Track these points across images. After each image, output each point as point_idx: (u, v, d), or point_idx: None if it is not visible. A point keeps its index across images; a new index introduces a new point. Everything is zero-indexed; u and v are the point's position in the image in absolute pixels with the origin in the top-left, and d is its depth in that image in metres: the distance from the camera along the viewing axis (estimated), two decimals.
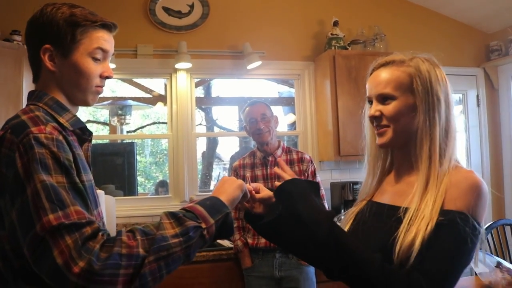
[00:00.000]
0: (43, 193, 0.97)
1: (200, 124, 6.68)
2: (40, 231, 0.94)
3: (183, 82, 3.70)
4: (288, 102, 5.50)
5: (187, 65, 3.59)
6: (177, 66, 3.59)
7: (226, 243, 3.17)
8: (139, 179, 7.83)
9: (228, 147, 6.91)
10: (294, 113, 4.25)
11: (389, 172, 1.39)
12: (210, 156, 6.63)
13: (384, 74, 1.28)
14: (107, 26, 1.26)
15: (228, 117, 6.72)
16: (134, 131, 6.59)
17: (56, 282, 0.94)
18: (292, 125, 5.09)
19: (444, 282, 1.10)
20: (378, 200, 1.34)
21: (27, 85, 3.22)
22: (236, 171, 3.01)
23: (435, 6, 4.26)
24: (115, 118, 4.56)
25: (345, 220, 1.39)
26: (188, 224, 1.05)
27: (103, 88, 1.30)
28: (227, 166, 6.58)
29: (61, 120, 1.18)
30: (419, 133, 1.23)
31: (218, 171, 7.08)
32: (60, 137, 1.08)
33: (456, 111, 4.38)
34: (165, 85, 3.78)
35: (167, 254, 1.00)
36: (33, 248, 0.95)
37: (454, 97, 4.54)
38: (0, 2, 3.41)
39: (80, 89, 1.24)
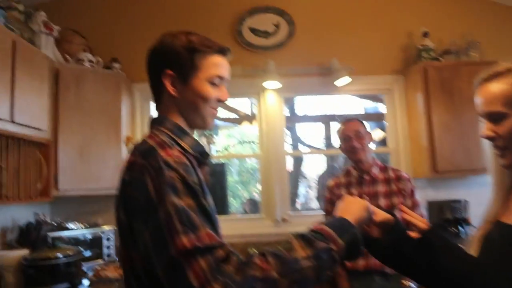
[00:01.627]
0: (176, 216, 0.99)
1: (286, 142, 6.67)
2: (174, 254, 0.96)
3: (272, 101, 3.71)
4: (374, 118, 5.35)
5: (276, 84, 3.59)
6: (266, 85, 3.62)
7: None
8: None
9: (313, 165, 6.82)
10: (380, 129, 4.12)
11: None
12: (296, 174, 6.59)
13: (490, 89, 1.18)
14: (223, 51, 1.31)
15: (313, 134, 6.65)
16: (223, 151, 6.67)
17: None
18: (380, 142, 4.93)
19: None
20: (506, 221, 1.23)
21: (126, 111, 3.37)
22: (331, 190, 2.94)
23: None
24: (204, 139, 4.67)
25: (472, 245, 1.30)
26: (318, 246, 1.04)
27: (217, 111, 1.33)
28: (312, 184, 6.50)
29: (183, 144, 1.22)
30: None
31: (305, 189, 7.02)
32: (187, 161, 1.11)
33: None
34: (251, 104, 3.81)
35: (300, 277, 1.00)
36: (167, 271, 0.97)
37: None
38: (98, 32, 3.62)
39: (199, 113, 1.27)
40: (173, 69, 1.24)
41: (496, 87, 1.17)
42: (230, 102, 5.06)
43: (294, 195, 6.54)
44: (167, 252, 0.97)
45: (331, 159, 5.36)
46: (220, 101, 1.30)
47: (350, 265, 2.75)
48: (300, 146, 6.82)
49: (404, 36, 3.91)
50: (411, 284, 2.68)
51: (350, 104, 6.13)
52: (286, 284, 0.97)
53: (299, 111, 6.43)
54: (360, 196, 2.72)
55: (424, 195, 3.77)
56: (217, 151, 5.11)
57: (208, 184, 1.27)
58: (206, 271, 0.94)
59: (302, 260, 1.01)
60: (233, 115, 5.32)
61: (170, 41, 1.26)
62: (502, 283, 1.11)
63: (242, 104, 5.24)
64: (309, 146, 6.76)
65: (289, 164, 6.58)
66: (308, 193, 6.80)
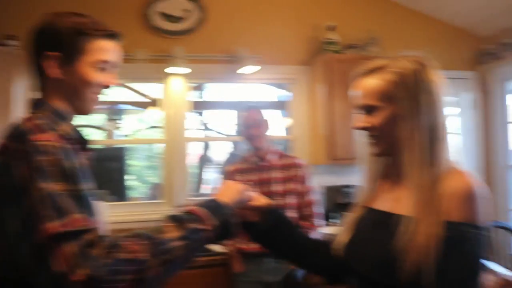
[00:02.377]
0: (46, 200, 0.96)
1: (195, 128, 6.64)
2: (41, 239, 0.94)
3: (178, 87, 3.69)
4: (286, 106, 5.47)
5: (183, 70, 3.58)
6: (172, 71, 3.58)
7: (217, 248, 3.15)
8: (134, 182, 7.78)
9: (220, 151, 6.86)
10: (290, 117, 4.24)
11: (386, 177, 1.36)
12: (203, 160, 6.60)
13: (367, 83, 1.25)
14: (112, 36, 1.25)
15: (223, 121, 6.68)
16: (129, 136, 6.53)
17: None
18: (288, 129, 5.07)
19: None
20: (376, 207, 1.32)
21: (20, 91, 3.19)
22: (229, 175, 2.99)
23: (429, 10, 4.26)
24: (109, 123, 4.54)
25: (345, 228, 1.37)
26: (190, 227, 1.05)
27: (100, 96, 1.29)
28: (219, 169, 6.54)
29: (62, 128, 1.16)
30: (404, 141, 1.20)
31: (210, 174, 7.04)
32: (63, 145, 1.07)
33: (451, 112, 4.37)
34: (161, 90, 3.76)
35: (171, 258, 1.00)
36: (33, 257, 0.95)
37: (448, 100, 4.57)
38: None
39: (80, 97, 1.23)
40: (56, 51, 1.18)
41: (372, 81, 1.23)
42: (139, 86, 4.96)
43: (200, 179, 6.54)
44: (33, 238, 0.95)
45: (235, 146, 5.42)
46: (105, 87, 1.26)
47: (244, 247, 2.82)
48: (210, 132, 6.83)
49: (311, 28, 4.02)
50: None
51: (264, 92, 6.23)
52: (156, 265, 0.97)
53: (211, 97, 6.42)
54: (258, 182, 2.83)
55: (322, 180, 3.93)
56: (122, 135, 4.97)
57: (89, 169, 1.23)
58: (73, 255, 0.92)
59: (172, 241, 1.01)
60: (142, 99, 5.21)
61: (55, 22, 1.20)
62: (371, 260, 1.21)
63: (152, 89, 5.13)
64: (217, 132, 6.80)
65: (198, 150, 6.59)
66: (214, 178, 6.82)
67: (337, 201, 3.67)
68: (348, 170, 3.98)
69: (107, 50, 1.23)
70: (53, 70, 1.19)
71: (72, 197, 1.00)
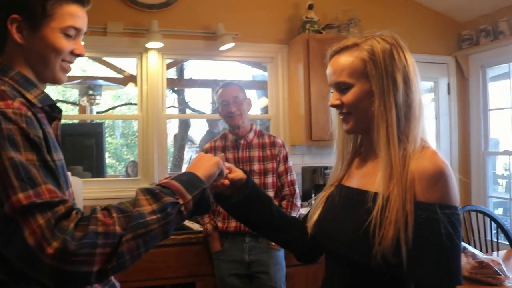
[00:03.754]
0: (12, 171, 0.92)
1: (172, 106, 6.56)
2: (9, 211, 0.90)
3: (154, 62, 3.62)
4: (261, 86, 5.46)
5: (158, 44, 3.50)
6: (148, 45, 3.51)
7: (195, 226, 3.14)
8: (110, 161, 7.67)
9: (201, 130, 6.84)
10: (267, 97, 4.22)
11: (360, 155, 1.38)
12: (182, 138, 6.55)
13: (339, 61, 1.25)
14: (81, 1, 1.19)
15: (201, 99, 6.62)
16: (105, 111, 6.44)
17: (28, 265, 0.91)
18: (265, 109, 5.05)
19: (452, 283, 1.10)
20: (347, 184, 1.33)
21: None
22: (207, 153, 2.96)
23: None
24: (85, 98, 4.44)
25: (315, 205, 1.38)
26: (165, 200, 1.02)
27: (71, 65, 1.24)
28: (199, 149, 6.51)
29: (29, 96, 1.11)
30: (375, 118, 1.19)
31: (190, 154, 7.01)
32: (29, 113, 1.03)
33: (427, 97, 4.42)
34: (137, 65, 3.68)
35: (145, 232, 0.97)
36: (1, 230, 0.91)
37: (425, 84, 4.62)
38: None
39: (49, 66, 1.17)
40: (20, 13, 1.12)
41: (344, 59, 1.24)
42: (115, 61, 4.85)
43: (179, 159, 6.51)
44: (1, 210, 0.91)
45: (212, 124, 5.38)
46: (75, 55, 1.21)
47: (222, 226, 2.81)
48: (188, 111, 6.77)
49: (291, 7, 3.98)
50: None
51: (239, 71, 6.19)
52: (129, 238, 0.94)
53: (188, 76, 6.34)
54: (236, 160, 2.82)
55: (300, 161, 3.95)
56: (97, 112, 4.87)
57: (59, 139, 1.21)
58: (43, 228, 0.88)
59: (147, 214, 0.98)
60: (119, 76, 5.11)
61: None
62: (340, 237, 1.22)
63: (127, 64, 5.04)
64: (196, 111, 6.74)
65: (174, 128, 6.53)
66: (193, 157, 6.77)
67: (316, 183, 3.67)
68: (327, 151, 3.99)
69: (76, 15, 1.17)
70: (18, 34, 1.13)
71: (41, 167, 0.97)
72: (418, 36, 4.21)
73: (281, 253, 2.84)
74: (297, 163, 3.89)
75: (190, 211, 1.09)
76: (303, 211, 3.12)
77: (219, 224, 2.84)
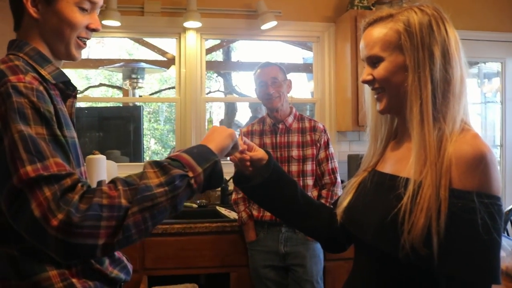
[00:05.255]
0: (21, 144, 0.93)
1: (218, 91, 6.44)
2: (17, 183, 0.91)
3: (192, 43, 3.48)
4: (311, 69, 5.22)
5: (197, 24, 3.37)
6: (186, 25, 3.38)
7: (232, 214, 3.00)
8: (156, 147, 7.68)
9: (249, 114, 6.69)
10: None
11: (395, 138, 1.28)
12: (228, 123, 6.42)
13: (371, 33, 1.18)
14: None
15: (247, 83, 6.44)
16: (151, 95, 6.40)
17: (35, 237, 0.92)
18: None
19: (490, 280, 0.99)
20: (381, 170, 1.24)
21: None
22: (244, 137, 2.80)
23: None
24: (127, 82, 4.39)
25: (346, 191, 1.31)
26: (173, 173, 0.99)
27: (87, 42, 1.24)
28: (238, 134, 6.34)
29: (43, 72, 1.12)
30: (408, 95, 1.11)
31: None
32: (41, 88, 1.03)
33: (494, 82, 4.04)
34: (176, 47, 3.57)
35: (152, 205, 0.95)
36: (10, 202, 0.92)
37: (490, 66, 4.22)
38: None
39: (63, 40, 1.17)
40: None
41: (377, 31, 1.16)
42: (159, 43, 4.77)
43: None
44: (9, 182, 0.92)
45: (254, 108, 5.20)
46: (91, 30, 1.20)
47: (257, 214, 2.67)
48: (235, 96, 6.63)
49: None
50: None
51: (289, 53, 5.96)
52: (135, 211, 0.93)
53: (235, 58, 6.19)
54: (274, 145, 2.65)
55: (347, 149, 3.72)
56: (140, 96, 4.82)
57: (73, 118, 1.20)
58: (49, 200, 0.89)
59: (154, 187, 0.96)
60: (162, 58, 5.03)
61: None
62: (369, 225, 1.15)
63: (170, 46, 4.93)
64: (242, 95, 6.57)
65: (220, 113, 6.40)
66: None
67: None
68: None
69: None
70: (34, 8, 1.13)
71: (51, 141, 0.98)
72: (480, 11, 3.83)
73: (319, 245, 2.65)
74: (343, 150, 3.68)
75: (201, 185, 1.05)
76: None
77: (254, 213, 2.70)
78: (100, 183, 0.97)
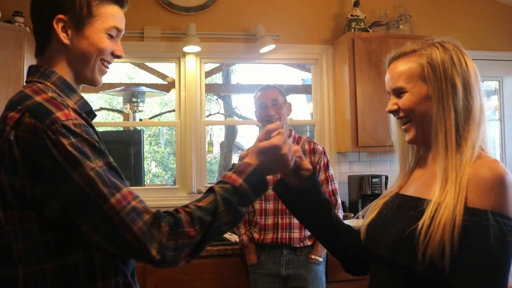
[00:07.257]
0: (97, 179, 0.99)
1: (218, 113, 6.46)
2: (109, 214, 0.98)
3: (192, 67, 3.52)
4: (310, 90, 5.25)
5: (196, 48, 3.41)
6: (186, 49, 3.42)
7: (234, 237, 2.99)
8: (157, 170, 7.67)
9: (249, 136, 6.69)
10: None
11: (420, 165, 1.34)
12: (229, 145, 6.43)
13: (396, 67, 1.26)
14: (120, 2, 1.22)
15: (248, 105, 6.48)
16: (150, 119, 6.42)
17: (131, 255, 1.10)
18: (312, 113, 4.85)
19: None
20: (404, 193, 1.30)
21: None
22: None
23: None
24: (128, 106, 4.42)
25: (370, 210, 1.35)
26: (238, 210, 1.12)
27: (108, 66, 1.27)
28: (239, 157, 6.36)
29: (70, 102, 1.14)
30: (433, 123, 1.18)
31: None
32: (81, 121, 1.06)
33: (491, 100, 4.06)
34: (175, 71, 3.60)
35: (217, 236, 1.13)
36: (103, 231, 0.99)
37: (489, 84, 4.24)
38: None
39: (89, 66, 1.19)
40: (66, 14, 1.14)
41: (402, 65, 1.24)
42: (158, 67, 4.80)
43: (226, 166, 6.38)
44: (99, 213, 0.98)
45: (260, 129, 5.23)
46: (115, 56, 1.23)
47: (259, 237, 2.66)
48: (235, 118, 6.64)
49: (336, 4, 3.78)
50: (319, 258, 2.63)
51: (287, 75, 5.99)
52: (207, 244, 1.11)
53: (235, 81, 6.23)
54: None
55: (347, 169, 3.72)
56: (140, 119, 4.84)
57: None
58: (144, 234, 1.00)
59: (223, 225, 1.10)
60: (162, 82, 5.06)
61: None
62: (388, 241, 1.19)
63: (170, 70, 4.98)
64: (243, 117, 6.59)
65: (221, 136, 6.41)
66: None
67: (363, 192, 3.42)
68: (376, 158, 3.75)
69: (117, 16, 1.20)
70: (63, 35, 1.15)
71: (110, 170, 1.04)
72: (477, 31, 3.88)
73: (321, 268, 2.64)
74: (343, 171, 3.68)
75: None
76: (349, 222, 2.90)
77: (255, 236, 2.69)
78: (180, 219, 1.05)
